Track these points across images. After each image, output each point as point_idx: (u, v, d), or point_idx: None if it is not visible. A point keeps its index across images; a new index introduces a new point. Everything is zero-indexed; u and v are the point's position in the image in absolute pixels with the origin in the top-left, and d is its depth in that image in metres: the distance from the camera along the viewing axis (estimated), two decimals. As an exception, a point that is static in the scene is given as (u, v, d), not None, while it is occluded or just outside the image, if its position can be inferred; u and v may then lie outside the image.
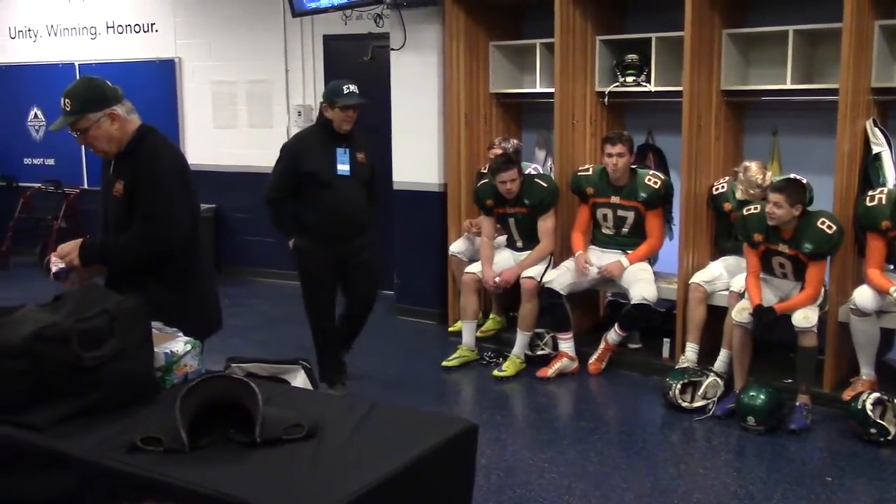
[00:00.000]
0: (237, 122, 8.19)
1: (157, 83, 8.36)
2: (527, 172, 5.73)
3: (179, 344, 2.83)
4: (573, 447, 4.44)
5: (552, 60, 5.76)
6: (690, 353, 5.23)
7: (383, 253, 7.09)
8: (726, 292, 5.11)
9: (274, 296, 7.71)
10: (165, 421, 2.30)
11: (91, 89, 3.18)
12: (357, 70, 7.27)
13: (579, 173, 5.64)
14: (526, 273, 5.54)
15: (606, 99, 5.87)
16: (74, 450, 2.29)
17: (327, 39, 7.56)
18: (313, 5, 6.71)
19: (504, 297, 6.05)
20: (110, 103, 3.15)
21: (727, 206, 5.29)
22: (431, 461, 2.30)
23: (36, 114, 9.24)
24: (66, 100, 3.15)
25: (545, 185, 5.60)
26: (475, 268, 5.76)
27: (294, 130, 7.85)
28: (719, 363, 5.03)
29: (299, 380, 4.01)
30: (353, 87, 4.82)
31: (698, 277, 5.26)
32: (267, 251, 8.19)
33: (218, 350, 3.43)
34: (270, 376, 3.92)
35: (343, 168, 4.85)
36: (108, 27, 8.68)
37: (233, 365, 3.88)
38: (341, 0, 6.51)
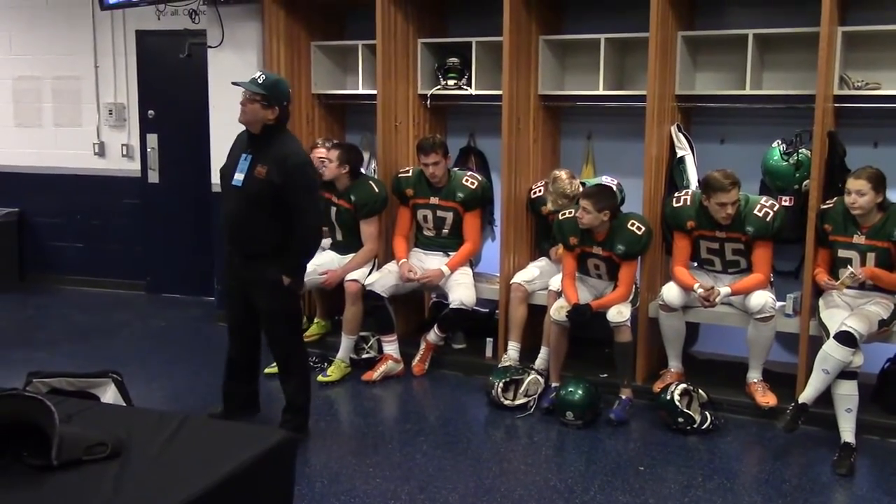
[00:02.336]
0: (42, 120, 7.70)
1: (-52, 78, 7.76)
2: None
3: (-34, 361, 2.61)
4: (399, 450, 4.43)
5: (375, 62, 5.74)
6: (512, 351, 5.35)
7: (202, 257, 6.87)
8: (545, 291, 5.27)
9: (85, 304, 7.29)
10: (-53, 447, 2.11)
11: None
12: (174, 68, 7.02)
13: (399, 175, 5.66)
14: (349, 276, 5.49)
15: (429, 102, 5.92)
16: None
17: (140, 35, 7.23)
18: (123, -2, 6.39)
19: (328, 302, 5.98)
20: None
21: (545, 209, 5.44)
22: (246, 476, 2.22)
23: None
24: None
25: (376, 190, 5.56)
26: (298, 271, 5.65)
27: (105, 130, 7.50)
28: (540, 360, 5.18)
29: (109, 394, 3.80)
30: (256, 74, 4.21)
31: (519, 277, 5.39)
32: (77, 257, 7.75)
33: (20, 365, 3.19)
34: (78, 391, 3.68)
35: (237, 177, 4.19)
36: None
37: (35, 380, 3.63)
38: (152, -6, 6.25)
